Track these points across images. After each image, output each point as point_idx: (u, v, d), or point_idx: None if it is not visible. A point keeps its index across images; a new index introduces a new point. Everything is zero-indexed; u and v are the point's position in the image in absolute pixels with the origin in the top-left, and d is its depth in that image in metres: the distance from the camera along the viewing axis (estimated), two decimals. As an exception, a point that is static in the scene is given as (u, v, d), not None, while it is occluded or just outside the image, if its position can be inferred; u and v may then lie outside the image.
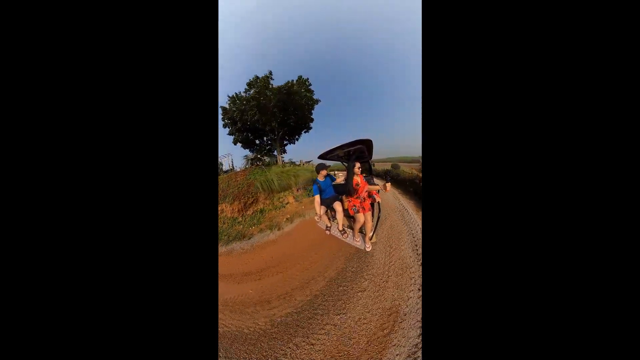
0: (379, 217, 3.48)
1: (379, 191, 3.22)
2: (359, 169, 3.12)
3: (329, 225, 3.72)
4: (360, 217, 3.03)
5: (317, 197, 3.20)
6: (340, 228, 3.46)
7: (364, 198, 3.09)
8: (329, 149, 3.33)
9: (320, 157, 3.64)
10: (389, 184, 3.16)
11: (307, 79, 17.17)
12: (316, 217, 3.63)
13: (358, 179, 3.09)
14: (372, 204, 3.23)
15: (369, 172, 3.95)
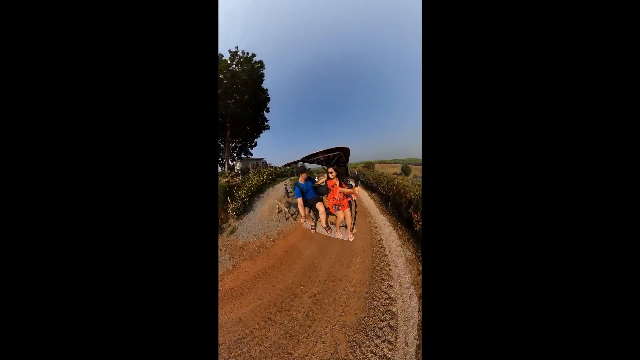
0: (355, 212, 3.91)
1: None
2: (332, 172, 3.48)
3: (313, 224, 4.08)
4: (340, 215, 3.54)
5: (300, 200, 3.42)
6: (324, 225, 3.85)
7: (342, 197, 3.51)
8: (310, 154, 3.65)
9: (302, 160, 3.97)
10: (358, 187, 3.50)
11: (236, 50, 13.83)
12: (302, 219, 3.88)
13: (335, 181, 3.47)
14: (349, 202, 3.68)
15: (346, 175, 4.37)
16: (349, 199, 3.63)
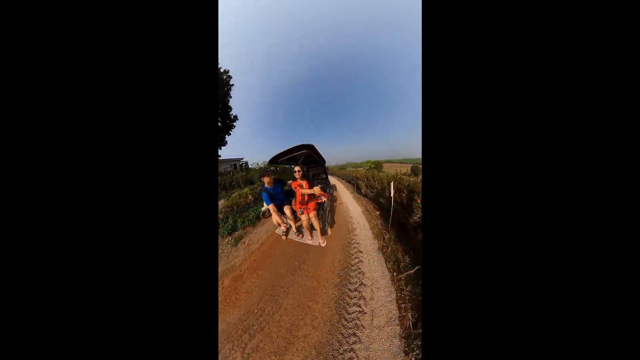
0: (322, 215, 3.57)
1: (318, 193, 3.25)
2: (298, 172, 3.15)
3: (285, 230, 3.73)
4: (304, 217, 3.20)
5: (272, 206, 3.11)
6: (295, 230, 3.58)
7: (307, 199, 3.19)
8: (277, 153, 3.35)
9: (270, 161, 3.73)
10: (318, 187, 3.10)
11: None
12: (282, 227, 3.39)
13: (301, 182, 3.14)
14: (318, 204, 3.35)
15: (325, 175, 4.21)
16: (318, 201, 3.30)
